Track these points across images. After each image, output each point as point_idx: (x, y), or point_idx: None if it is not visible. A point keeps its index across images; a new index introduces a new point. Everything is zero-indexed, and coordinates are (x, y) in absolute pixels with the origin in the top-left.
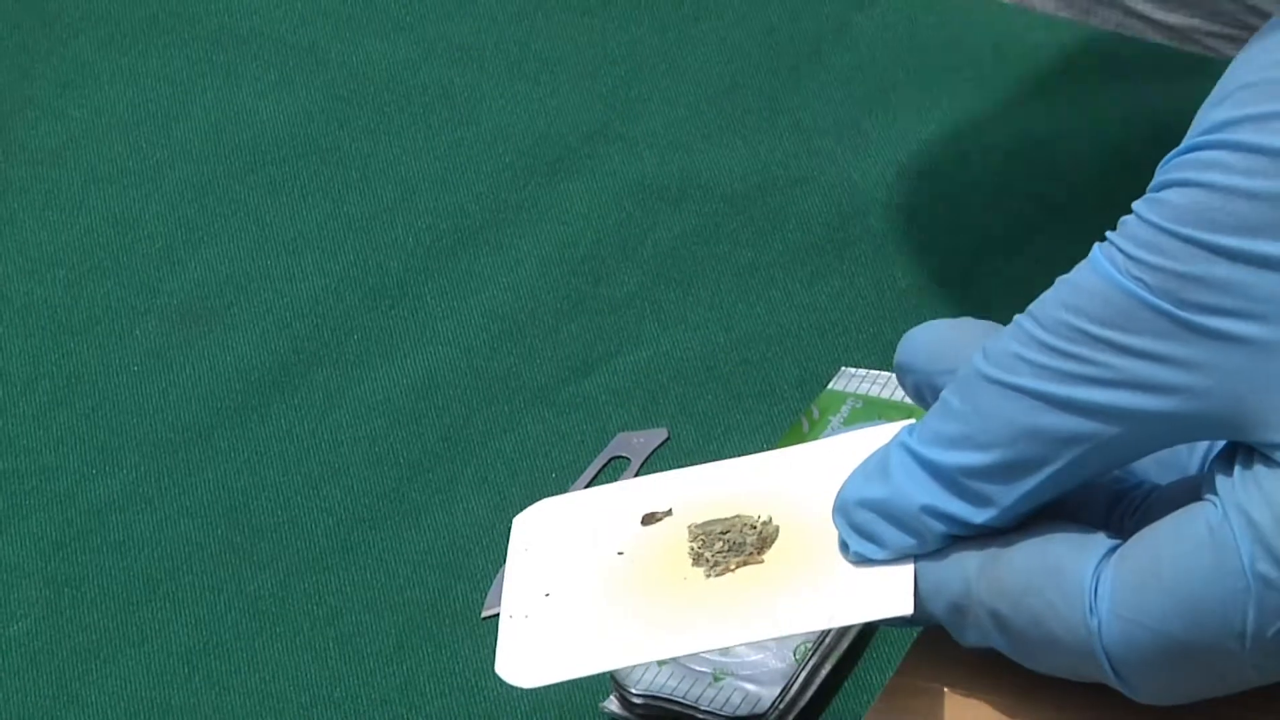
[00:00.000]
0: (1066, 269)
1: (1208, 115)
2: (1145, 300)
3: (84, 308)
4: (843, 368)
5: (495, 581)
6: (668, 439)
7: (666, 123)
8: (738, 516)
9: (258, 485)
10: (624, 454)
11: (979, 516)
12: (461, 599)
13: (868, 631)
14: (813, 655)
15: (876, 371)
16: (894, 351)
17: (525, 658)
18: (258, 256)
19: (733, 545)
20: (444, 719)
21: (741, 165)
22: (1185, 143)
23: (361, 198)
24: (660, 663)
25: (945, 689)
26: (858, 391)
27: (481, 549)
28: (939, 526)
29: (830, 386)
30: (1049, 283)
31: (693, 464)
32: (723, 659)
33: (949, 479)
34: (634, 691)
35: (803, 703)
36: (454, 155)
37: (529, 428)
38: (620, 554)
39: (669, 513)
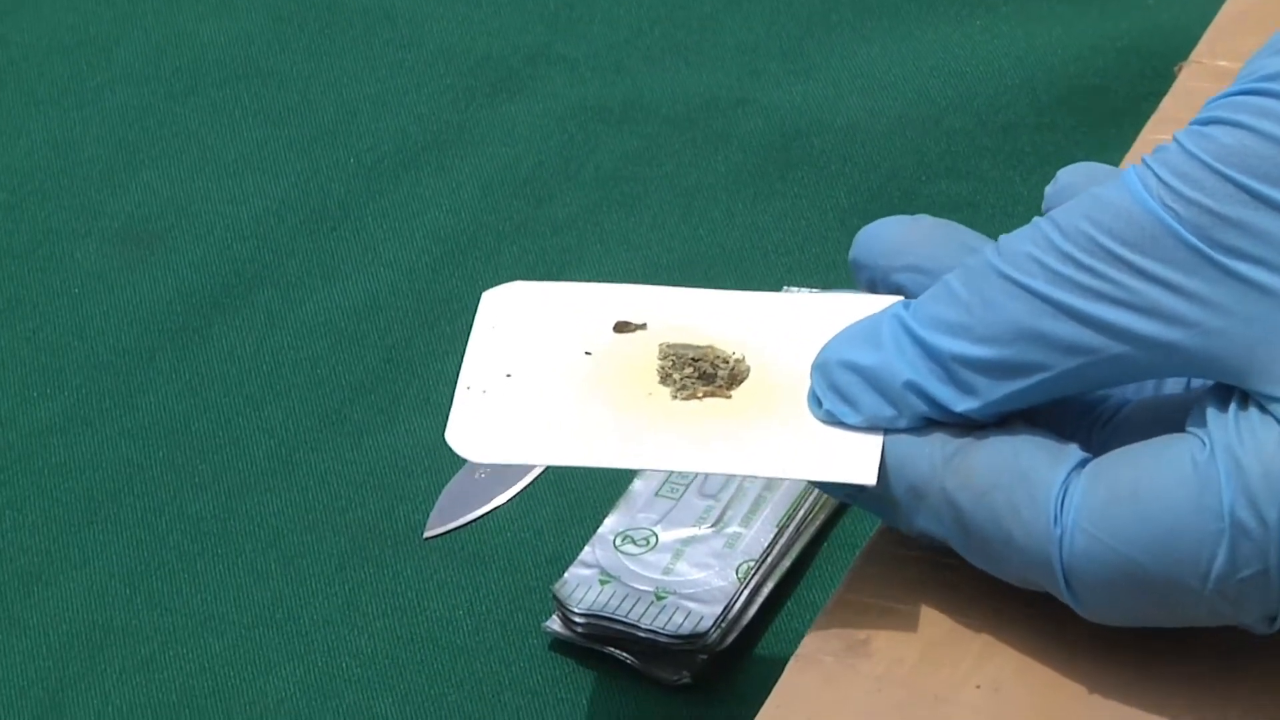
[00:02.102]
0: (1009, 190)
1: (1265, 63)
2: (1174, 230)
3: (24, 231)
4: (785, 287)
5: (438, 503)
6: None
7: (609, 44)
8: (711, 347)
9: (199, 407)
10: None
11: (961, 404)
12: (404, 520)
13: (812, 547)
14: (755, 574)
15: (820, 291)
16: (837, 272)
17: (477, 431)
18: (198, 179)
19: (702, 373)
20: (386, 639)
21: (684, 86)
22: (1240, 84)
23: (302, 120)
24: (602, 580)
25: (889, 606)
26: None
27: (424, 470)
28: (919, 405)
29: None
30: (991, 204)
31: None
32: (665, 578)
33: (941, 362)
34: (576, 611)
35: (745, 621)
36: (395, 77)
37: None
38: (588, 354)
39: (643, 326)
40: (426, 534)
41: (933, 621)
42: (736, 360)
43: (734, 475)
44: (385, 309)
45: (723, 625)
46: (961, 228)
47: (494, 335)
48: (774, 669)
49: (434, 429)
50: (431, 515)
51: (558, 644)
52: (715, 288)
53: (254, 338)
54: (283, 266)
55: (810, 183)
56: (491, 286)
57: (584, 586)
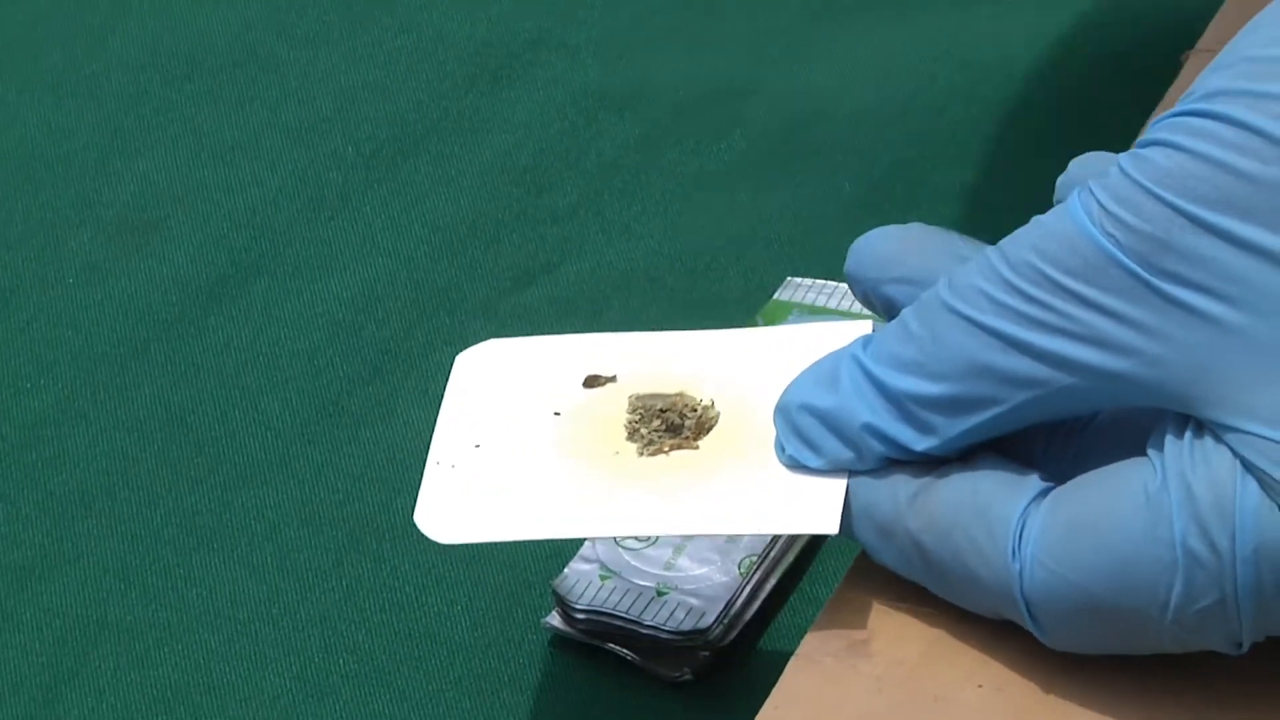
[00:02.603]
0: (1016, 179)
1: (1207, 80)
2: (1115, 258)
3: (18, 220)
4: (789, 278)
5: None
6: None
7: (610, 30)
8: (680, 395)
9: (194, 399)
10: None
11: (920, 444)
12: (401, 513)
13: (815, 544)
14: (757, 570)
15: (822, 281)
16: (841, 261)
17: (446, 511)
18: (194, 167)
19: (670, 425)
20: (384, 635)
21: (687, 74)
22: (1180, 105)
23: (300, 107)
24: (603, 576)
25: (889, 605)
26: (803, 301)
27: (422, 463)
28: (879, 447)
29: (776, 296)
30: (995, 191)
31: None
32: (666, 574)
33: (896, 402)
34: (577, 606)
35: (747, 617)
36: (394, 64)
37: (470, 340)
38: (556, 414)
39: (613, 379)
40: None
41: (933, 621)
42: (705, 408)
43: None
44: (383, 299)
45: (725, 621)
46: (955, 236)
47: (465, 402)
48: (776, 666)
49: (432, 422)
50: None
51: (558, 640)
52: (718, 278)
53: (250, 328)
54: (279, 256)
55: (815, 171)
56: (490, 276)
57: (584, 582)
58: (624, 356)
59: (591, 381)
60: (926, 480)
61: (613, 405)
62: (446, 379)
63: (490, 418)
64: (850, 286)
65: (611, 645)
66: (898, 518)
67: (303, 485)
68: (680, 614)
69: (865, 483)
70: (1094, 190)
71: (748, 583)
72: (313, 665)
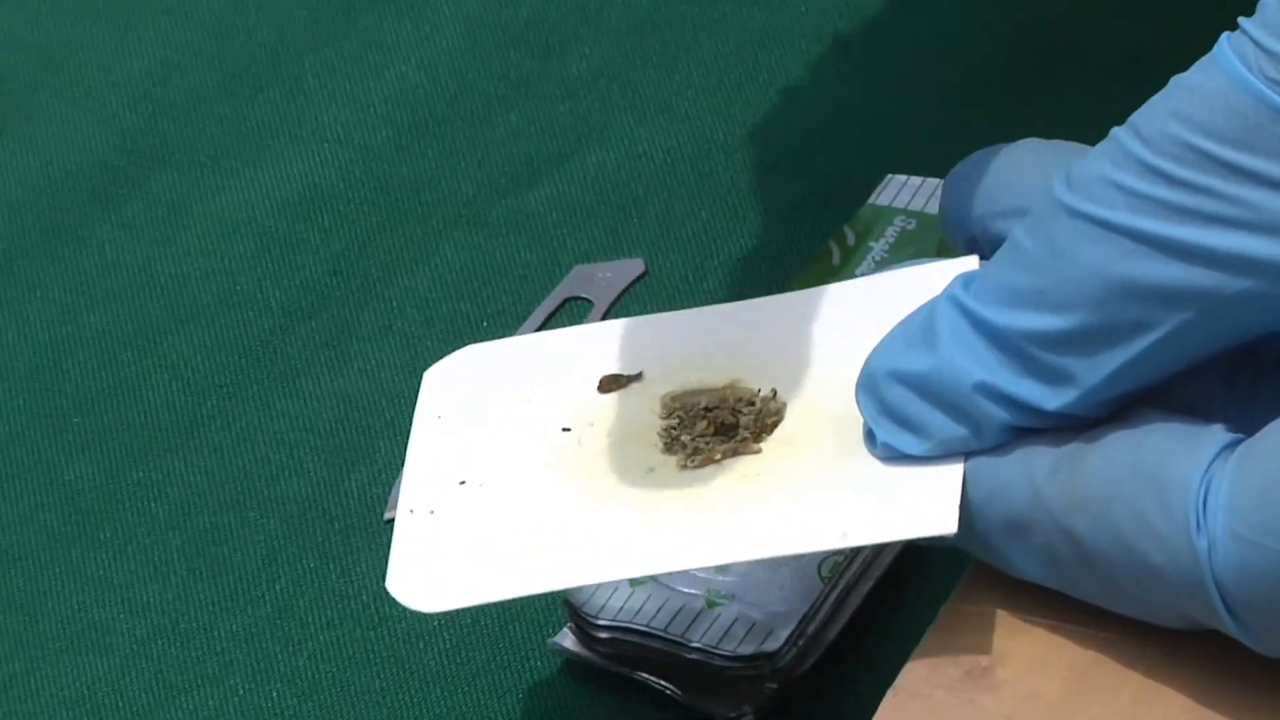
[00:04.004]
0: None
1: None
2: None
3: None
4: (889, 175)
5: (402, 472)
6: (644, 274)
7: None
8: (730, 386)
9: (73, 335)
10: (583, 294)
11: (1054, 400)
12: (356, 494)
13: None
14: (844, 573)
15: (936, 180)
16: (955, 150)
17: (428, 571)
18: (78, 22)
19: (721, 426)
20: (332, 659)
21: None
22: None
23: None
24: (632, 582)
25: (1023, 618)
26: (910, 207)
27: (384, 424)
28: (999, 414)
29: (872, 200)
30: (1170, 55)
31: (676, 309)
32: (720, 578)
33: (1015, 349)
34: (598, 621)
35: (830, 637)
36: None
37: (450, 257)
38: (566, 430)
39: (637, 376)
40: (388, 514)
41: (1083, 639)
42: (764, 399)
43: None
44: (332, 201)
45: (799, 643)
46: (1082, 148)
47: (440, 430)
48: (868, 701)
49: (397, 368)
50: (394, 488)
51: (571, 667)
52: (791, 175)
53: (147, 241)
54: (189, 141)
55: (924, 44)
56: (477, 170)
57: (608, 589)
58: (649, 345)
59: (610, 384)
60: (1071, 448)
61: (641, 411)
62: (419, 313)
63: (476, 445)
64: (947, 233)
65: (644, 675)
66: (1036, 502)
67: (221, 455)
68: (740, 632)
69: (987, 464)
70: (1247, 30)
71: (831, 591)
72: (236, 698)
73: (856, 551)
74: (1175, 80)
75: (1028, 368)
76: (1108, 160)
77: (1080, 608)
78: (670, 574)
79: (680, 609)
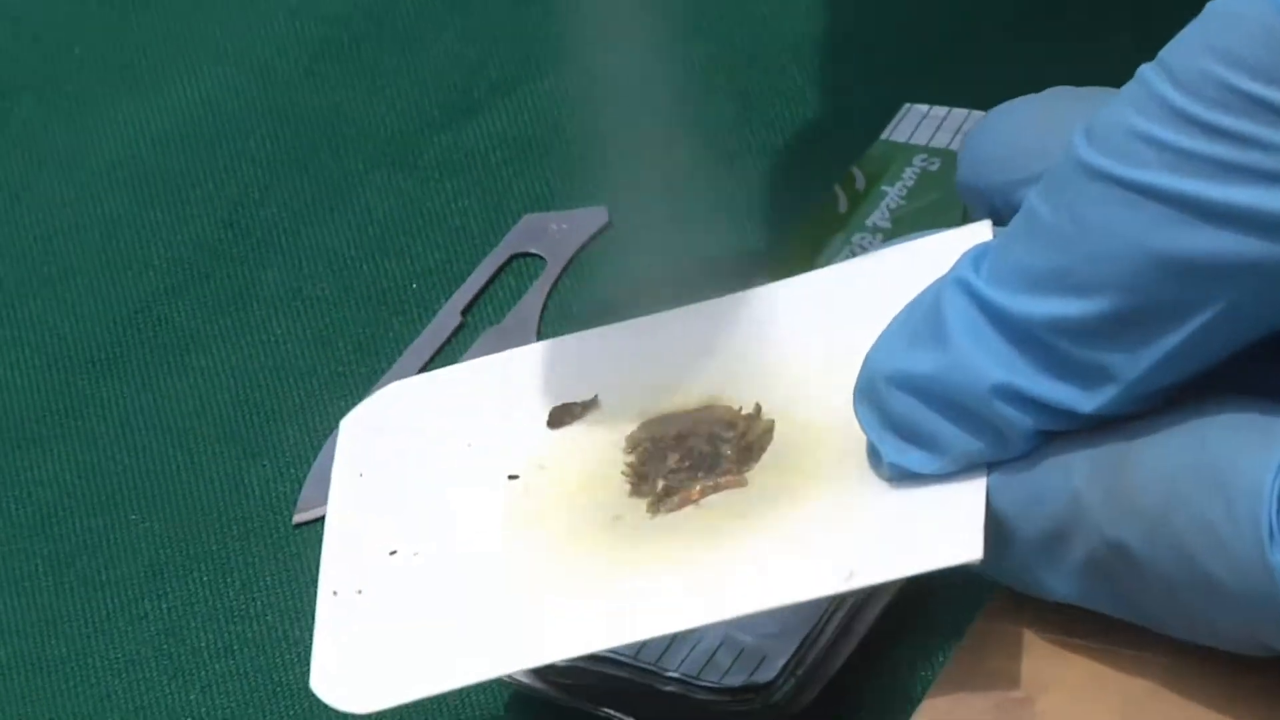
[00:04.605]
0: None
1: None
2: None
3: None
4: (907, 105)
5: (314, 468)
6: (608, 226)
7: None
8: (706, 408)
9: None
10: (534, 250)
11: (1089, 402)
12: (258, 492)
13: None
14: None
15: (964, 111)
16: (989, 95)
17: (358, 665)
18: None
19: (698, 458)
20: (232, 692)
21: None
22: None
23: None
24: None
25: (1060, 641)
26: (932, 144)
27: (292, 408)
28: (1024, 420)
29: (886, 135)
30: None
31: (646, 270)
32: None
33: (1038, 343)
34: None
35: (834, 666)
36: None
37: (372, 205)
38: (513, 479)
39: (592, 403)
40: (297, 517)
41: (1132, 665)
42: (747, 418)
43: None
44: (226, 138)
45: (797, 673)
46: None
47: (364, 490)
48: None
49: (308, 340)
50: (304, 488)
51: (523, 703)
52: (792, 102)
53: (1, 186)
54: (49, 69)
55: None
56: (405, 96)
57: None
58: (604, 363)
59: (561, 416)
60: (1115, 446)
61: (601, 446)
62: (331, 272)
63: (407, 505)
64: (967, 201)
65: (610, 711)
66: (1075, 512)
67: (94, 445)
68: (725, 659)
69: (1014, 473)
70: None
71: (836, 610)
72: None
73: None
74: (1211, 7)
75: (1055, 364)
76: (1135, 108)
77: (1131, 627)
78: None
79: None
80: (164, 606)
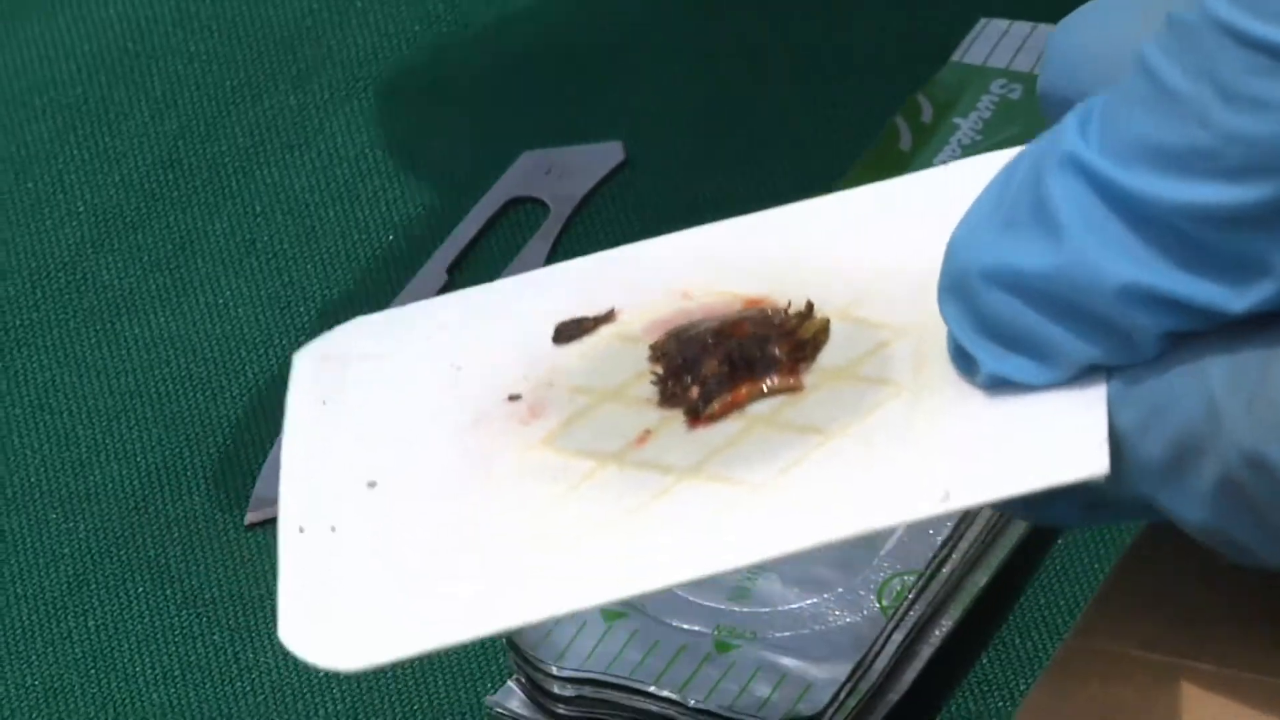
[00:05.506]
0: None
1: None
2: None
3: None
4: (984, 20)
5: (267, 462)
6: (623, 164)
7: None
8: (747, 304)
9: None
10: (535, 194)
11: (1239, 301)
12: (203, 486)
13: (1023, 554)
14: (914, 600)
15: (1048, 27)
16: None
17: (335, 613)
18: None
19: (741, 361)
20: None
21: None
22: None
23: None
24: (610, 615)
25: (1175, 662)
26: (1013, 67)
27: (243, 384)
28: (1156, 323)
29: (958, 57)
30: None
31: (669, 220)
32: (734, 608)
33: (1176, 232)
34: (558, 673)
35: (897, 693)
36: None
37: (339, 140)
38: (514, 399)
39: (608, 317)
40: (250, 517)
41: (1252, 692)
42: (797, 315)
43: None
44: (165, 59)
45: (849, 704)
46: None
47: (327, 418)
48: None
49: (262, 299)
50: (258, 481)
51: None
52: (840, 22)
53: None
54: None
55: None
56: (376, 20)
57: (572, 626)
58: (619, 281)
59: (570, 330)
60: (1258, 351)
61: (620, 359)
62: (290, 219)
63: (385, 432)
64: (1048, 113)
65: None
66: (1212, 423)
67: (6, 430)
68: (762, 688)
69: (1139, 378)
70: None
71: (894, 628)
72: None
73: (935, 567)
74: None
75: (1198, 258)
76: None
77: (1253, 646)
78: (662, 601)
79: (677, 653)
80: (90, 624)
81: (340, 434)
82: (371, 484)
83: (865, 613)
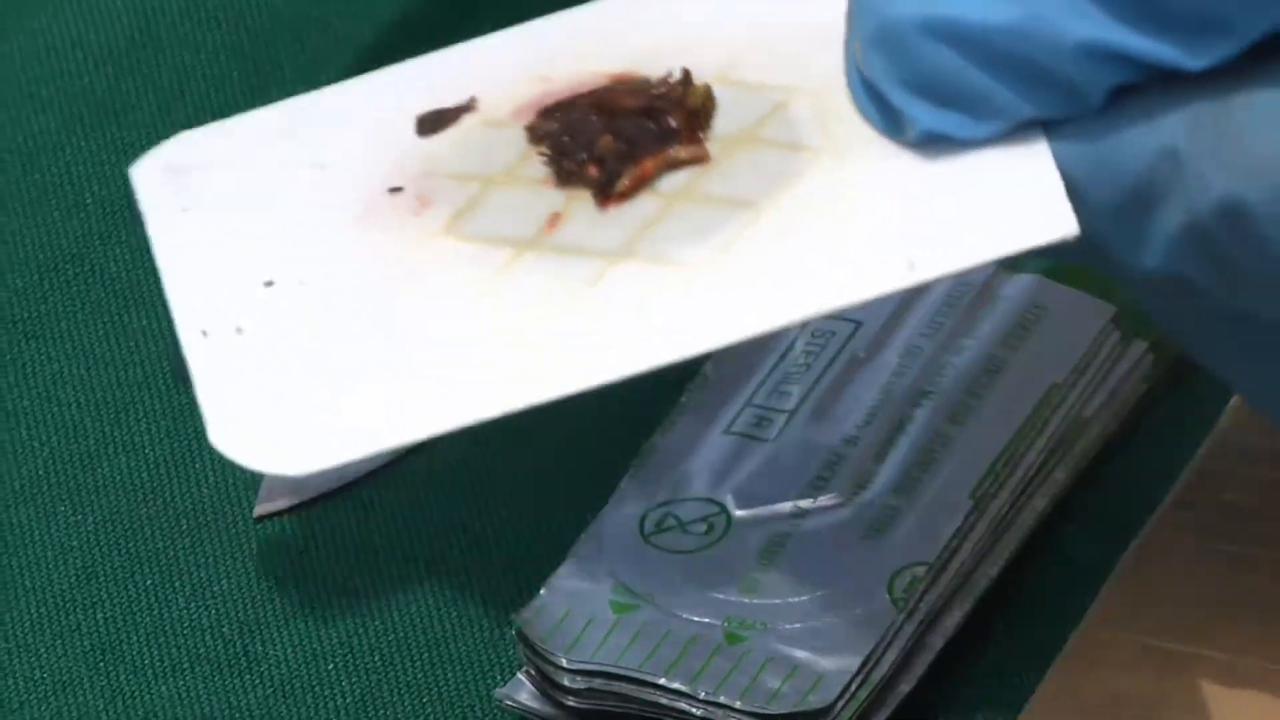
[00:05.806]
0: None
1: None
2: None
3: None
4: None
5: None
6: None
7: None
8: (619, 81)
9: None
10: None
11: (1197, 58)
12: (211, 478)
13: (1033, 545)
14: (926, 590)
15: None
16: None
17: (263, 416)
18: None
19: (636, 132)
20: (180, 718)
21: None
22: None
23: None
24: (618, 606)
25: (1190, 651)
26: None
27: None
28: (1108, 79)
29: None
30: None
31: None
32: (744, 600)
33: None
34: (567, 665)
35: (905, 687)
36: None
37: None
38: (397, 190)
39: (468, 106)
40: (259, 509)
41: (1266, 681)
42: (675, 84)
43: (778, 330)
44: (168, 49)
45: (860, 697)
46: None
47: (196, 224)
48: None
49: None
50: (265, 477)
51: None
52: None
53: None
54: None
55: None
56: (389, 6)
57: (580, 617)
58: (473, 70)
59: (432, 122)
60: (1214, 103)
61: (495, 144)
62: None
63: (266, 234)
64: None
65: None
66: (1172, 166)
67: (10, 422)
68: (773, 680)
69: (1084, 133)
70: None
71: (907, 619)
72: None
73: (949, 555)
74: None
75: (1156, 15)
76: None
77: (1264, 635)
78: (670, 589)
79: (687, 645)
80: (99, 617)
81: (216, 238)
82: (269, 283)
83: (876, 604)
